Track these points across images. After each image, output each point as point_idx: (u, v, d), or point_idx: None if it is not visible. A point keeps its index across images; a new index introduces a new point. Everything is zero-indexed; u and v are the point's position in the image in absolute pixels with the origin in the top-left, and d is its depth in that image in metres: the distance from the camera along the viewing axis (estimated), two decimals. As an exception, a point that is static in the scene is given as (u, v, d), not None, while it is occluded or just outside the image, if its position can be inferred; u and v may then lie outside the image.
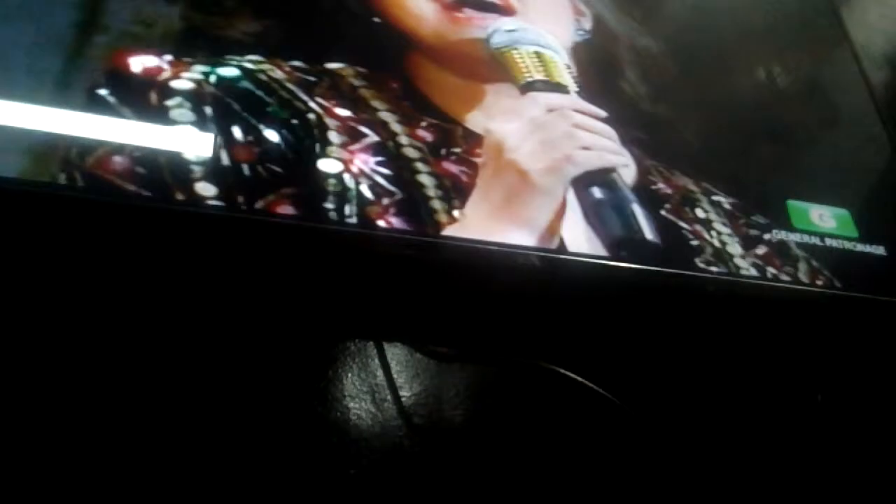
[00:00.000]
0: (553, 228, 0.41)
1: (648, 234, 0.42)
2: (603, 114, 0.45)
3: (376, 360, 0.46)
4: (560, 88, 0.45)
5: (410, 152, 0.42)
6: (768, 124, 0.51)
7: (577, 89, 0.45)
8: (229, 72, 0.42)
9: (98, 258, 0.39)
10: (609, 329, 0.45)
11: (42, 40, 0.40)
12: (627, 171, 0.44)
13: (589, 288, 0.43)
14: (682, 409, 0.46)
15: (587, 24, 0.50)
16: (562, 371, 0.44)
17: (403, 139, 0.42)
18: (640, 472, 0.44)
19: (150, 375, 0.42)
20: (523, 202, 0.41)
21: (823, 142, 0.53)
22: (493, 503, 0.42)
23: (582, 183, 0.42)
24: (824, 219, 0.46)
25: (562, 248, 0.41)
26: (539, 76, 0.45)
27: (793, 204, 0.46)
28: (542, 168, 0.41)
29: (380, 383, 0.45)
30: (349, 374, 0.46)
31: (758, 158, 0.49)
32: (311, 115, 0.41)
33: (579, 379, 0.44)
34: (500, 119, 0.43)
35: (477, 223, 0.40)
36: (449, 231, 0.40)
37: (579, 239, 0.41)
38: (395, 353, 0.46)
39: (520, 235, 0.41)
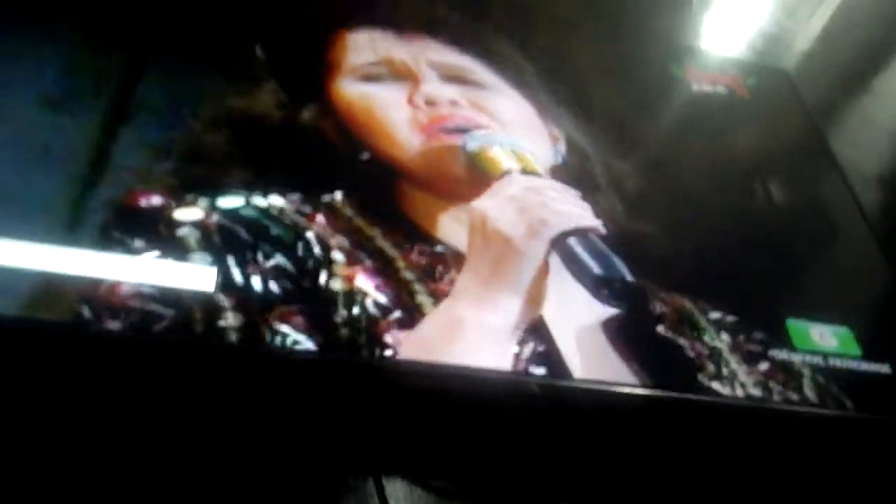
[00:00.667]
0: (538, 290, 0.43)
1: (628, 276, 0.43)
2: (578, 193, 0.46)
3: (375, 497, 0.44)
4: (536, 175, 0.46)
5: (408, 275, 0.43)
6: (761, 243, 0.52)
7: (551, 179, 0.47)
8: (234, 202, 0.44)
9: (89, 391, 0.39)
10: (618, 458, 0.44)
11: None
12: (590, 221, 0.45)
13: (595, 416, 0.42)
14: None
15: (562, 147, 0.52)
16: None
17: (400, 263, 0.43)
18: None
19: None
20: (509, 268, 0.42)
21: (818, 260, 0.53)
22: None
23: (560, 243, 0.43)
24: (825, 337, 0.46)
25: (542, 322, 0.42)
26: (516, 167, 0.46)
27: (792, 323, 0.46)
28: (522, 233, 0.43)
29: (379, 520, 0.44)
30: (349, 511, 0.44)
31: (752, 277, 0.49)
32: (314, 241, 0.43)
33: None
34: (481, 198, 0.45)
35: (471, 294, 0.42)
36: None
37: (568, 296, 0.43)
38: (395, 489, 0.45)
39: (509, 299, 0.42)
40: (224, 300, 0.39)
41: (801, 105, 0.65)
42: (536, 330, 0.42)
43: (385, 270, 0.43)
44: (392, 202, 0.47)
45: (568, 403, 0.42)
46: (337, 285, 0.41)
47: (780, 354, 0.44)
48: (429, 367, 0.40)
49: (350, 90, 0.50)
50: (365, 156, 0.48)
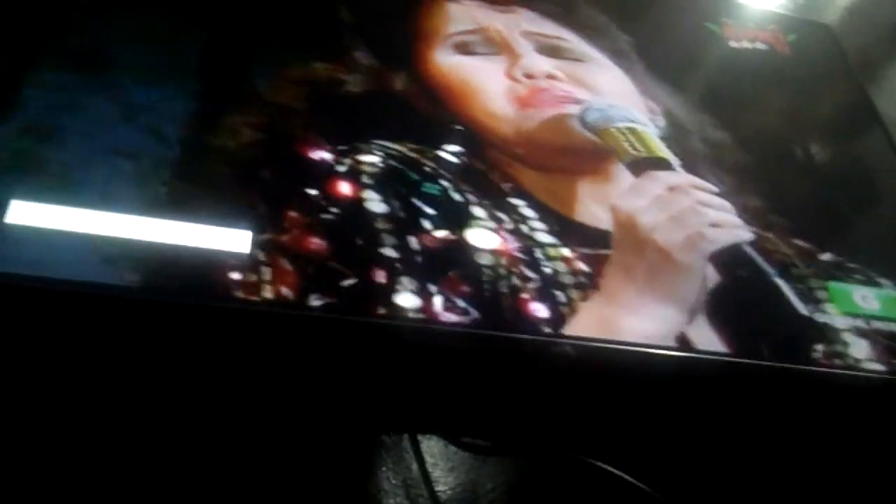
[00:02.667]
0: (698, 305, 0.42)
1: (799, 307, 0.44)
2: (717, 189, 0.46)
3: (411, 454, 0.44)
4: (665, 164, 0.46)
5: (543, 238, 0.43)
6: (801, 204, 0.51)
7: (680, 162, 0.47)
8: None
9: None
10: (654, 420, 0.44)
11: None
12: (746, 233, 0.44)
13: (634, 378, 0.42)
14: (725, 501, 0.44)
15: (661, 121, 0.51)
16: (602, 465, 0.42)
17: (536, 224, 0.44)
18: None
19: (190, 462, 0.41)
20: (670, 280, 0.42)
21: (861, 220, 0.52)
22: None
23: (719, 259, 0.43)
24: (868, 300, 0.45)
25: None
26: (643, 153, 0.46)
27: (835, 286, 0.45)
28: (681, 246, 0.42)
29: (415, 477, 0.44)
30: (383, 469, 0.44)
31: (792, 240, 0.48)
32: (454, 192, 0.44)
33: (621, 474, 0.42)
34: (625, 196, 0.44)
35: (627, 299, 0.41)
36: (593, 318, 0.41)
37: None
38: (430, 447, 0.45)
39: (667, 310, 0.41)
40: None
41: (843, 61, 0.63)
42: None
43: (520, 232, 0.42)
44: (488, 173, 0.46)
45: (602, 365, 0.42)
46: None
47: (821, 318, 0.44)
48: (484, 335, 0.40)
49: (446, 60, 0.49)
50: (458, 127, 0.47)
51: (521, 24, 0.51)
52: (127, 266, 0.36)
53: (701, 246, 0.42)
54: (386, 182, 0.42)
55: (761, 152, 0.53)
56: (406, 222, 0.41)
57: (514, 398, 0.43)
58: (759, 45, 0.61)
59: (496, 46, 0.50)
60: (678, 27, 0.61)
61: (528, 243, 0.43)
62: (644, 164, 0.45)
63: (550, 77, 0.49)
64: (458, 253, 0.41)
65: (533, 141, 0.47)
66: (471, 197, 0.43)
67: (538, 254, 0.42)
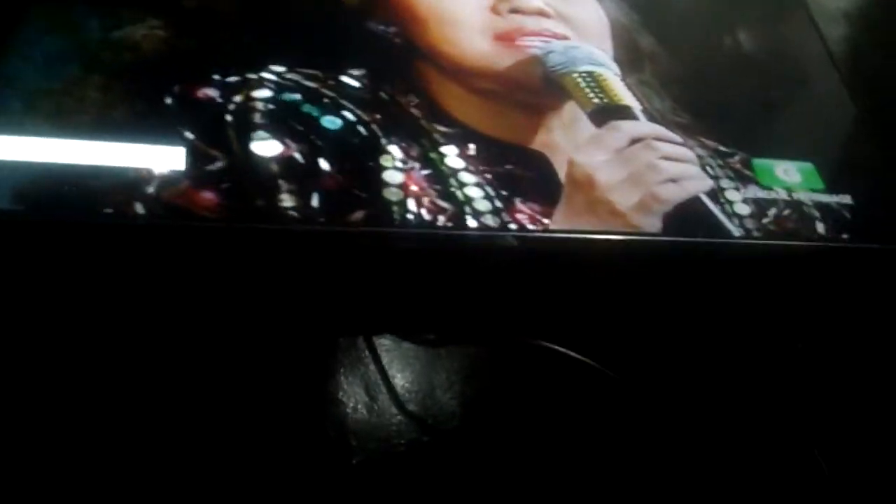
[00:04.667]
0: None
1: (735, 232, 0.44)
2: (680, 139, 0.46)
3: (367, 354, 0.46)
4: (628, 112, 0.45)
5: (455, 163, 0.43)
6: (730, 85, 0.52)
7: (640, 107, 0.46)
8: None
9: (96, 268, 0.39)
10: (595, 299, 0.46)
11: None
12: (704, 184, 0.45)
13: (572, 263, 0.44)
14: (670, 370, 0.47)
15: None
16: (550, 345, 0.45)
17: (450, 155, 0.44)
18: (630, 437, 0.45)
19: (148, 373, 0.43)
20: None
21: (782, 99, 0.54)
22: (492, 485, 0.43)
23: (673, 219, 0.43)
24: (790, 173, 0.47)
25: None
26: (605, 100, 0.45)
27: (758, 162, 0.47)
28: (634, 207, 0.42)
29: (372, 375, 0.46)
30: (342, 369, 0.46)
31: (720, 120, 0.50)
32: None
33: (567, 352, 0.45)
34: (584, 150, 0.44)
35: None
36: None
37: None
38: (385, 345, 0.47)
39: None
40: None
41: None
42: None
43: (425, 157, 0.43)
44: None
45: (547, 253, 0.43)
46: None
47: (746, 192, 0.46)
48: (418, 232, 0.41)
49: None
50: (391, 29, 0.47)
51: None
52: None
53: (655, 208, 0.43)
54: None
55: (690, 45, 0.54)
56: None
57: (462, 293, 0.44)
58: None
59: None
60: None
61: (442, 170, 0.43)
62: (606, 113, 0.45)
63: (540, 13, 0.48)
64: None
65: (499, 76, 0.46)
66: (377, 128, 0.43)
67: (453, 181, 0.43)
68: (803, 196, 0.47)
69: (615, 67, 0.48)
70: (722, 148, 0.48)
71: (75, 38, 0.43)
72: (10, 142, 0.38)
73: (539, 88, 0.47)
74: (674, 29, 0.54)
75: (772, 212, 0.46)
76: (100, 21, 0.44)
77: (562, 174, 0.44)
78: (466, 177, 0.43)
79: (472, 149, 0.44)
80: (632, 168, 0.43)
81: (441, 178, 0.42)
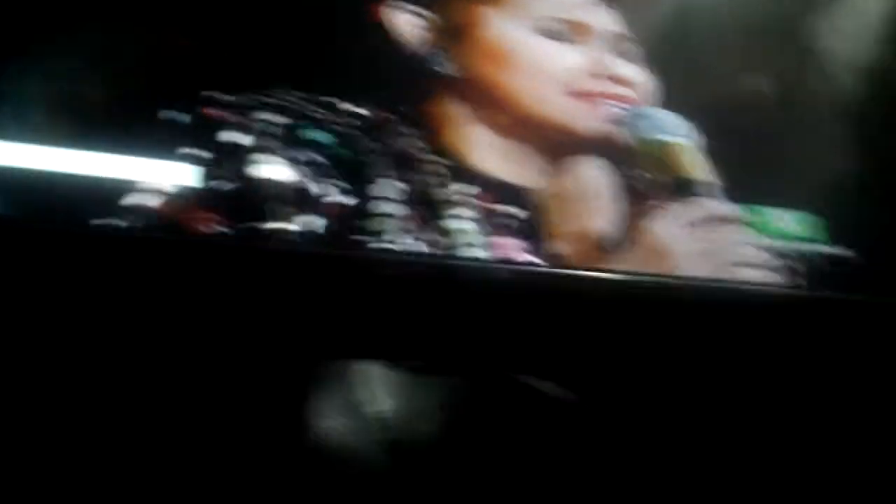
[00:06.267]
0: None
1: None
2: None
3: (352, 379, 0.46)
4: (704, 187, 0.46)
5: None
6: (733, 129, 0.52)
7: (718, 185, 0.47)
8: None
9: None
10: (586, 338, 0.46)
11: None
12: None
13: (563, 300, 0.43)
14: (653, 408, 0.46)
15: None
16: (531, 380, 0.44)
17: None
18: (614, 473, 0.44)
19: (146, 385, 0.43)
20: None
21: (787, 147, 0.53)
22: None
23: None
24: (788, 223, 0.47)
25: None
26: (683, 174, 0.46)
27: (756, 209, 0.47)
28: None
29: (356, 400, 0.46)
30: (327, 393, 0.46)
31: (721, 164, 0.50)
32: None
33: (547, 386, 0.44)
34: (660, 220, 0.45)
35: None
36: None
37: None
38: (369, 371, 0.47)
39: None
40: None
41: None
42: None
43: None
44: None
45: (545, 289, 0.43)
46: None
47: (746, 238, 0.46)
48: (407, 259, 0.41)
49: (519, 34, 0.48)
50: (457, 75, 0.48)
51: (610, 24, 0.50)
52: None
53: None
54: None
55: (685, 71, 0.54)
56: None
57: (449, 321, 0.44)
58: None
59: (580, 39, 0.49)
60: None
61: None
62: (685, 187, 0.46)
63: (623, 82, 0.49)
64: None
65: (573, 132, 0.47)
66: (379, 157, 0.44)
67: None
68: (804, 247, 0.46)
69: (696, 140, 0.48)
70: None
71: (80, 49, 0.44)
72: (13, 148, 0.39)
73: (600, 143, 0.47)
74: (680, 72, 0.54)
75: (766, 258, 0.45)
76: (108, 36, 0.44)
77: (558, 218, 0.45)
78: (463, 211, 0.44)
79: (475, 187, 0.45)
80: (706, 243, 0.44)
81: (437, 212, 0.43)
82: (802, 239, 0.47)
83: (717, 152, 0.49)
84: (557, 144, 0.48)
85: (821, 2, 0.60)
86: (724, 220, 0.45)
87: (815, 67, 0.58)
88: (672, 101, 0.51)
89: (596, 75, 0.48)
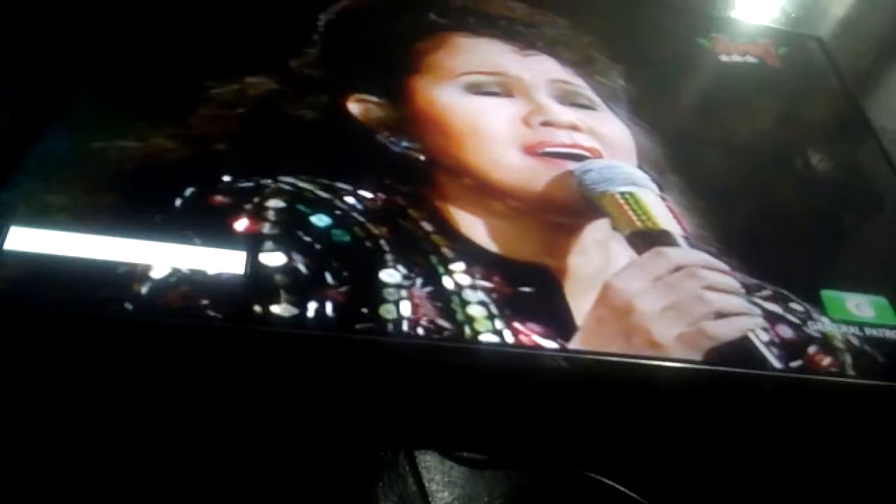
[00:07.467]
0: None
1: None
2: (726, 268, 0.43)
3: (408, 470, 0.45)
4: (670, 238, 0.43)
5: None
6: (794, 214, 0.51)
7: (682, 233, 0.43)
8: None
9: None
10: (650, 431, 0.44)
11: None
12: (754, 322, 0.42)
13: (626, 389, 0.42)
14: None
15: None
16: (598, 477, 0.42)
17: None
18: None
19: (181, 485, 0.42)
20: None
21: (854, 229, 0.52)
22: None
23: (718, 354, 0.40)
24: (862, 308, 0.45)
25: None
26: (645, 225, 0.43)
27: (827, 294, 0.45)
28: (674, 338, 0.40)
29: (412, 493, 0.44)
30: (381, 485, 0.45)
31: (787, 249, 0.48)
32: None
33: (616, 485, 0.42)
34: (623, 276, 0.42)
35: None
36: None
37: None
38: (427, 462, 0.45)
39: None
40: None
41: (835, 72, 0.63)
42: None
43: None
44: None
45: (597, 377, 0.42)
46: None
47: (814, 326, 0.44)
48: (462, 349, 0.40)
49: (451, 98, 0.47)
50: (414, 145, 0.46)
51: (545, 72, 0.50)
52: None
53: (699, 343, 0.40)
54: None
55: (752, 167, 0.53)
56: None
57: (509, 412, 0.43)
58: (750, 59, 0.62)
59: (512, 91, 0.48)
60: (669, 44, 0.62)
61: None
62: (647, 239, 0.43)
63: (573, 127, 0.47)
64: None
65: (529, 192, 0.45)
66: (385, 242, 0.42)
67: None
68: (875, 332, 0.44)
69: (655, 188, 0.45)
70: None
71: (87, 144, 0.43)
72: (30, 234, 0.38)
73: (572, 207, 0.45)
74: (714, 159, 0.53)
75: (839, 346, 0.43)
76: (113, 130, 0.43)
77: (574, 296, 0.42)
78: (470, 295, 0.41)
79: (479, 267, 0.42)
80: (675, 297, 0.41)
81: (444, 296, 0.40)
82: (877, 325, 0.45)
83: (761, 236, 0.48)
84: (535, 210, 0.45)
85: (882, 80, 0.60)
86: (691, 269, 0.42)
87: (872, 147, 0.58)
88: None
89: (541, 124, 0.46)
